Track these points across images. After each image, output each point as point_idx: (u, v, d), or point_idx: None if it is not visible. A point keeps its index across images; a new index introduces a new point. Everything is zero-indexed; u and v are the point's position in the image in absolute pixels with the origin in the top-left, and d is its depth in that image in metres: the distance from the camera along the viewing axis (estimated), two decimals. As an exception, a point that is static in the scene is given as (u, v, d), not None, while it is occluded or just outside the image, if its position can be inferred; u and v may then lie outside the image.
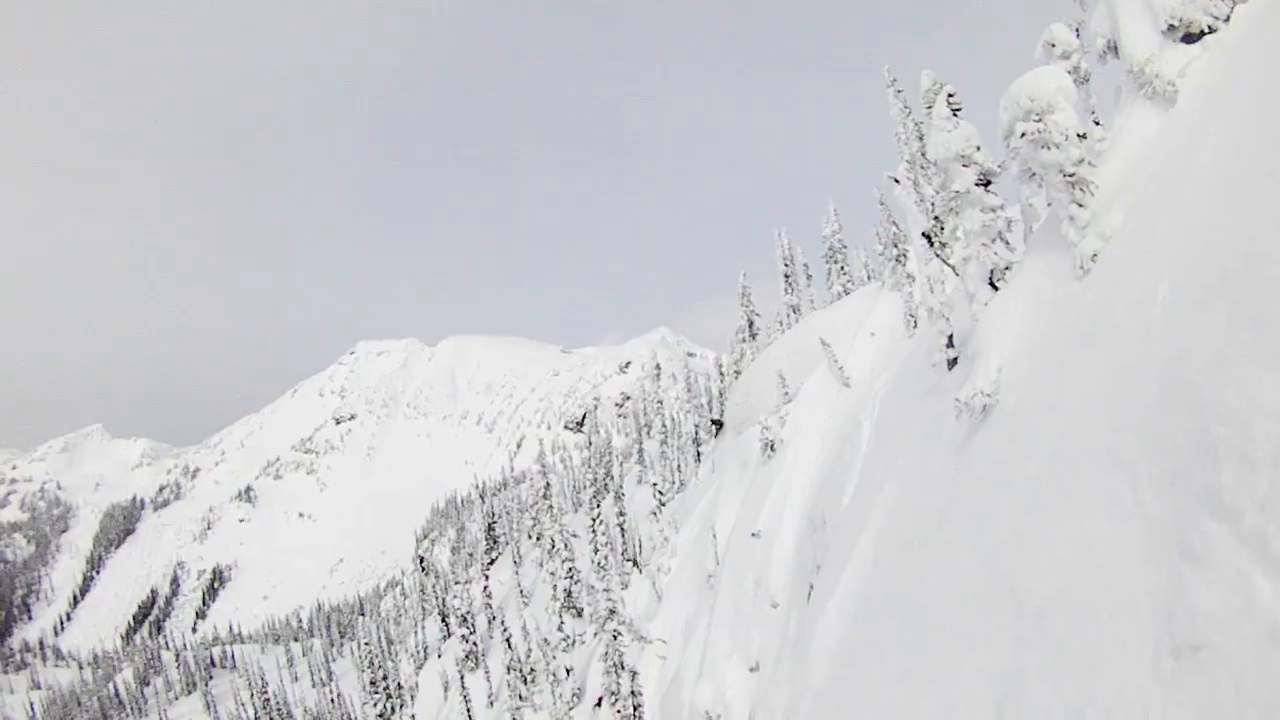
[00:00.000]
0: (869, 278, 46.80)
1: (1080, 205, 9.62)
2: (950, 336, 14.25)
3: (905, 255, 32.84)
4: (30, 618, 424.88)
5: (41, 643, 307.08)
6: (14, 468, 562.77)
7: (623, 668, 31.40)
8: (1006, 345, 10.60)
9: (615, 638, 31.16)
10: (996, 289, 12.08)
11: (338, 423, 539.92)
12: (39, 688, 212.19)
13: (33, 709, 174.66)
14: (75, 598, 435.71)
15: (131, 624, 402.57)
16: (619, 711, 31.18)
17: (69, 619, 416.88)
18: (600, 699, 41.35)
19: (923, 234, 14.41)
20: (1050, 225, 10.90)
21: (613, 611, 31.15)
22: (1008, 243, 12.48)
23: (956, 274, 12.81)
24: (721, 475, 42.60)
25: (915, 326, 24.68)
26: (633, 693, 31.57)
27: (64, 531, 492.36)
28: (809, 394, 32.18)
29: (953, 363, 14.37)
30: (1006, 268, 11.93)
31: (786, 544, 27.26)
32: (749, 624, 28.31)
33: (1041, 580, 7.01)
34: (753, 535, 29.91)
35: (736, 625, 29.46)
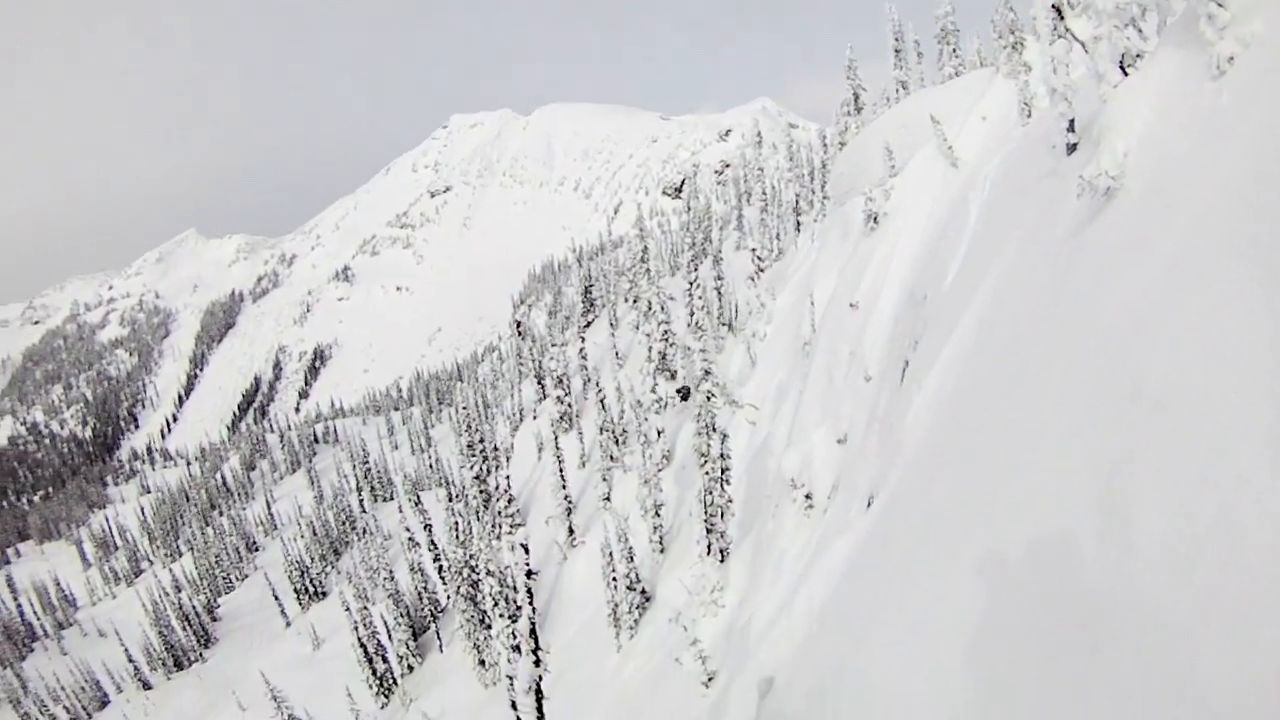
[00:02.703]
0: (981, 65, 45.35)
1: (1220, 4, 9.27)
2: (1072, 121, 13.88)
3: (1022, 42, 31.66)
4: (137, 426, 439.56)
5: (149, 448, 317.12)
6: (110, 287, 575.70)
7: (714, 430, 31.78)
8: (1135, 131, 10.29)
9: (708, 399, 31.53)
10: (1126, 75, 11.78)
11: (432, 196, 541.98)
12: (148, 491, 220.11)
13: (143, 513, 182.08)
14: (180, 398, 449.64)
15: (236, 414, 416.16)
16: (707, 473, 31.84)
17: (175, 420, 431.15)
18: (688, 461, 42.43)
19: (1052, 4, 13.88)
20: (1186, 21, 10.37)
21: (707, 373, 31.41)
22: (1140, 30, 12.05)
23: (1086, 51, 12.42)
24: (822, 244, 42.39)
25: (1029, 116, 23.89)
26: (722, 455, 32.07)
27: (165, 337, 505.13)
28: (915, 170, 31.60)
29: (1072, 148, 13.98)
30: (1138, 55, 11.60)
31: (884, 318, 27.18)
32: (840, 395, 28.48)
33: (1161, 367, 6.80)
34: (850, 306, 29.88)
35: (828, 396, 29.72)
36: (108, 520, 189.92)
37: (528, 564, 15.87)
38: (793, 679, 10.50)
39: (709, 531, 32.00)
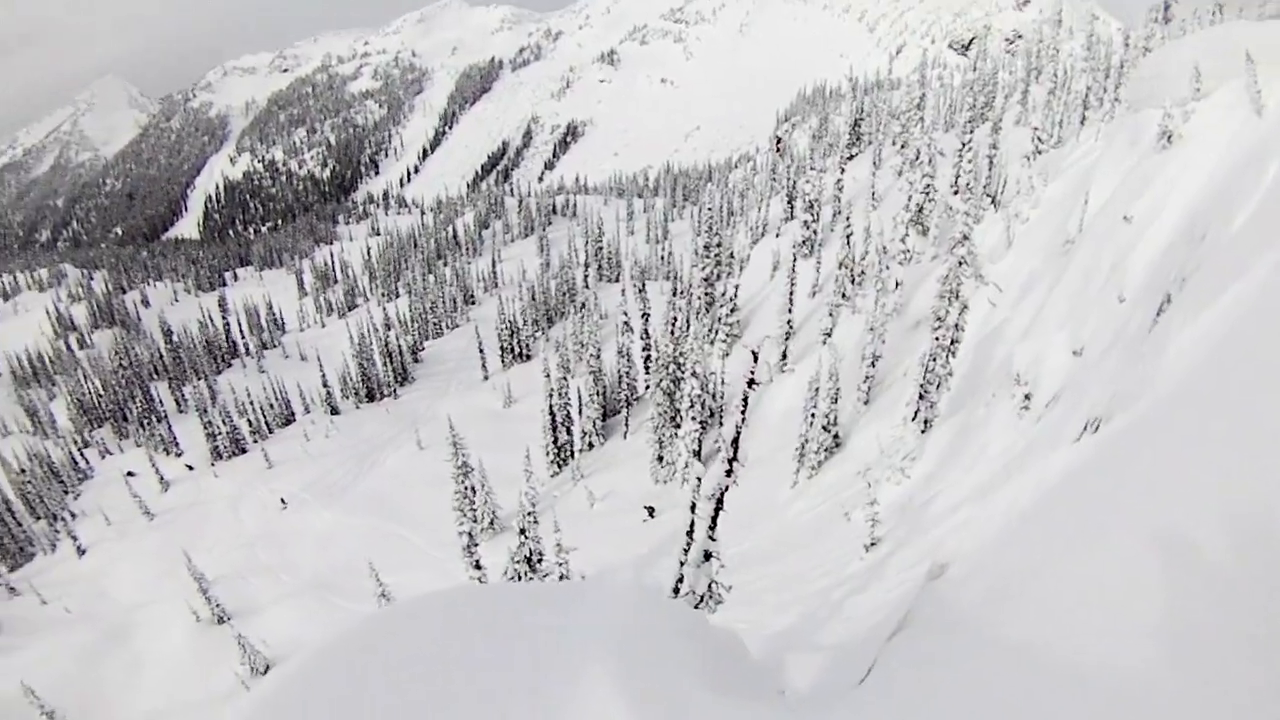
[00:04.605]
0: (1310, 15, 41.94)
1: None
2: None
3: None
4: (377, 173, 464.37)
5: (385, 194, 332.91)
6: (366, 43, 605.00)
7: (956, 297, 31.07)
8: None
9: (960, 264, 30.84)
10: None
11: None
12: (377, 234, 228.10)
13: (368, 253, 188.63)
14: (425, 152, 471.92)
15: (479, 173, 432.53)
16: (937, 339, 31.35)
17: (416, 171, 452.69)
18: (919, 321, 41.94)
19: None
20: None
21: (965, 238, 30.43)
22: None
23: None
24: (1107, 146, 40.51)
25: (1355, 93, 22.13)
26: (957, 325, 31.56)
27: (418, 94, 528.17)
28: (1220, 101, 29.73)
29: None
30: None
31: (1156, 242, 25.90)
32: (1089, 306, 27.40)
33: None
34: (1125, 219, 28.86)
35: (1077, 302, 28.71)
36: (332, 255, 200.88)
37: (753, 372, 15.97)
38: (972, 574, 10.52)
39: (920, 398, 31.87)
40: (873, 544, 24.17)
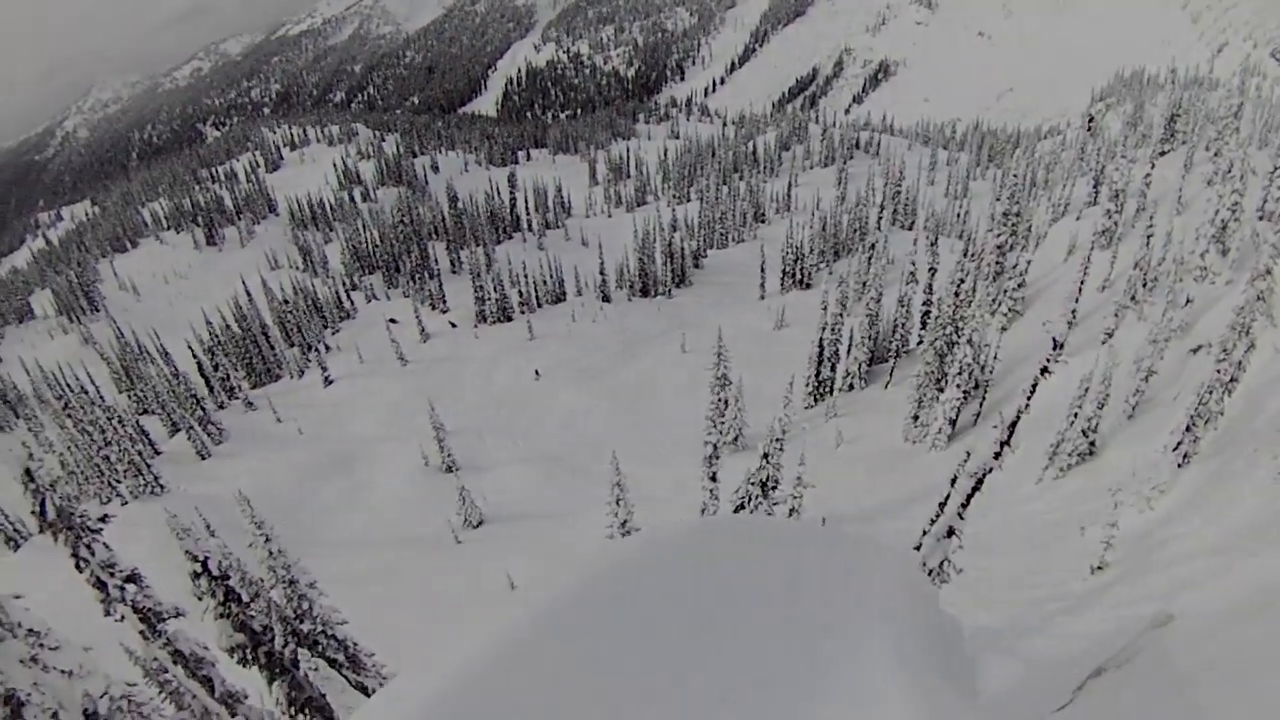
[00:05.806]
0: None
1: None
2: None
3: None
4: (682, 79, 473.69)
5: (689, 100, 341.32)
6: None
7: (1246, 333, 29.45)
8: None
9: (1259, 299, 29.18)
10: None
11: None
12: (676, 137, 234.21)
13: (665, 154, 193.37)
14: (732, 65, 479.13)
15: (784, 95, 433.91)
16: (1218, 373, 29.62)
17: (721, 83, 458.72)
18: (1200, 346, 40.10)
19: None
20: None
21: (1269, 271, 28.73)
22: None
23: None
24: None
25: None
26: (1240, 364, 29.83)
27: (730, 8, 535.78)
28: None
29: None
30: None
31: None
32: None
33: None
34: None
35: (1356, 372, 27.41)
36: (628, 150, 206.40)
37: (1049, 359, 15.75)
38: (1203, 637, 10.51)
39: (1187, 429, 30.86)
40: (1099, 567, 23.98)
